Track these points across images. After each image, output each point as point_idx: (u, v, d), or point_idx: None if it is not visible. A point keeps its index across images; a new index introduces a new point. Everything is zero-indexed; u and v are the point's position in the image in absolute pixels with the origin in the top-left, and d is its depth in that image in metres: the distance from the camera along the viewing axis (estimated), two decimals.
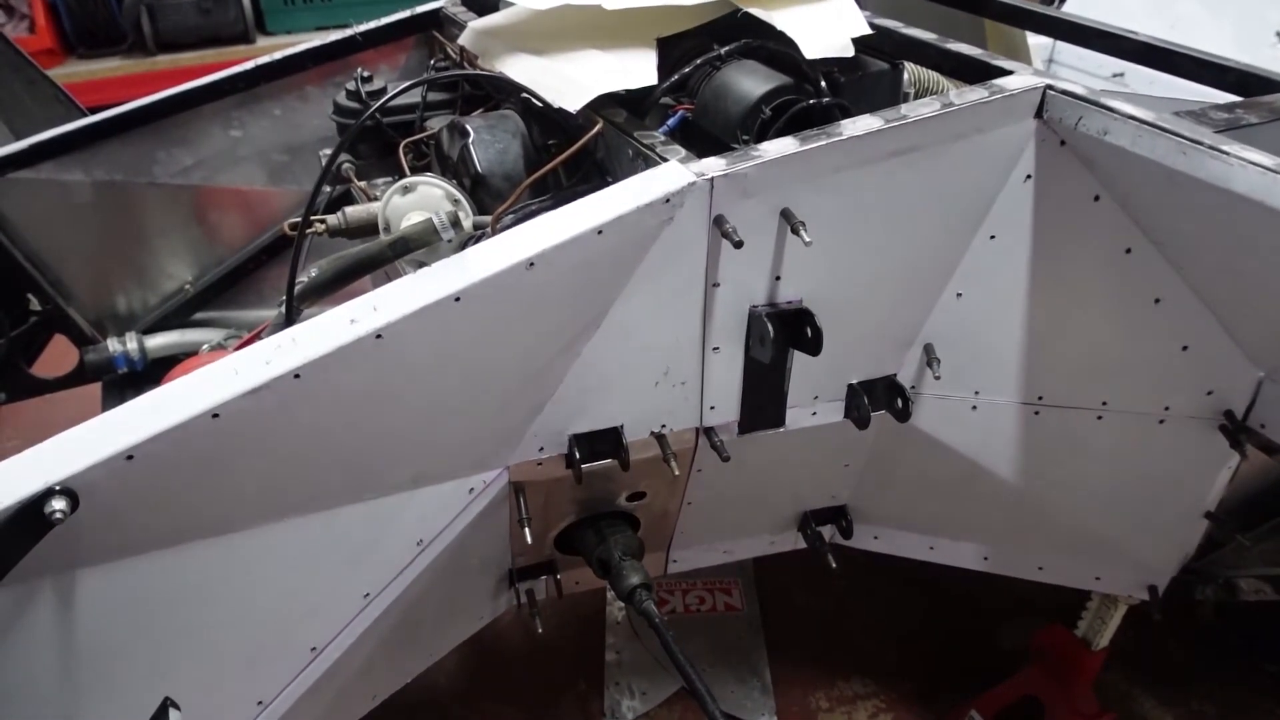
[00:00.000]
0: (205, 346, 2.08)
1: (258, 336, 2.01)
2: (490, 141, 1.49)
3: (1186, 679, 2.43)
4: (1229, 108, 1.29)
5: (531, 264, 1.15)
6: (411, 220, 1.42)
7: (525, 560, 1.63)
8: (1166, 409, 1.54)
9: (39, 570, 1.03)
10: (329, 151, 1.79)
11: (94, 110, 2.42)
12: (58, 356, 2.14)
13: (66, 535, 1.00)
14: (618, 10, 1.50)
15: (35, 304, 2.05)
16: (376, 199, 1.75)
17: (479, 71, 1.55)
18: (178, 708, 1.09)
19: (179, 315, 2.16)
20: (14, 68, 2.32)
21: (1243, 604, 1.99)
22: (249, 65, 1.96)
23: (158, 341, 2.09)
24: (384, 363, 1.11)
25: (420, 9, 2.05)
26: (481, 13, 1.93)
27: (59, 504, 0.97)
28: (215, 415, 1.03)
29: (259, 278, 2.18)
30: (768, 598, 2.64)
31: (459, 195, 1.44)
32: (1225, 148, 1.13)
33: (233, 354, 1.07)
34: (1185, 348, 1.46)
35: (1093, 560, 1.79)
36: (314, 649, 1.30)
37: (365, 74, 1.78)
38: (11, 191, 1.92)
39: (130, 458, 1.01)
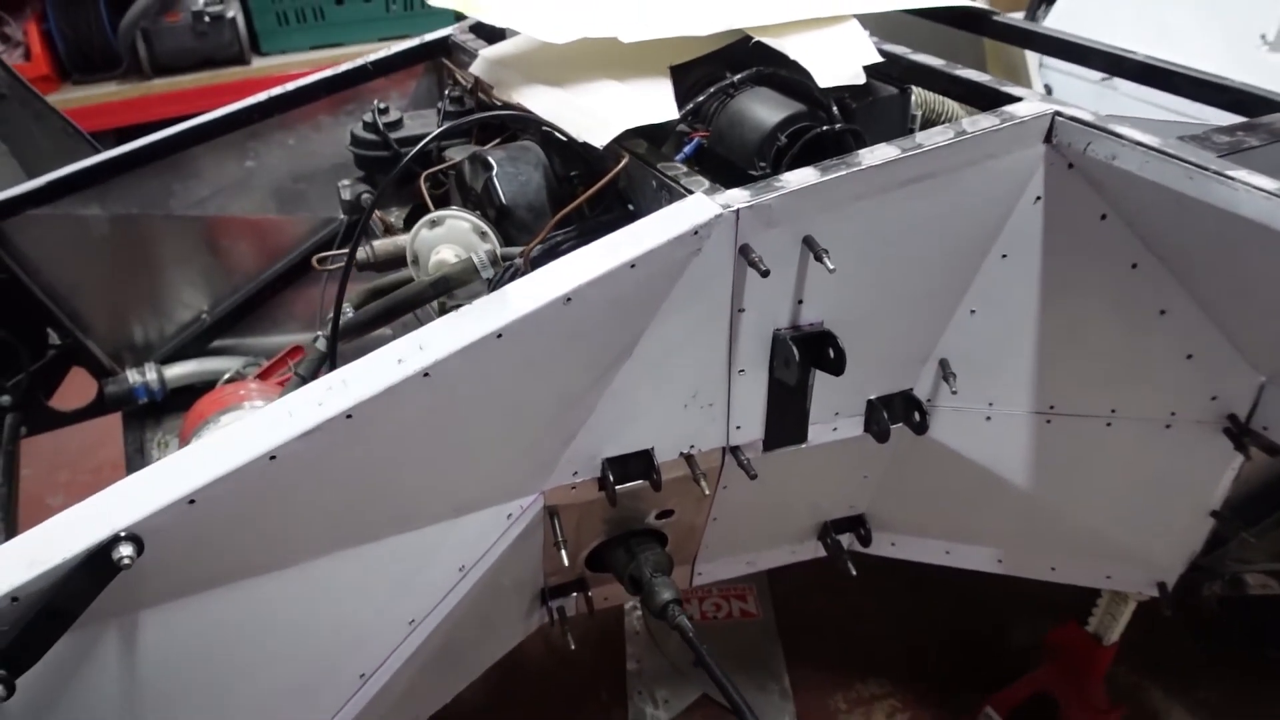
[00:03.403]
0: (225, 376, 2.11)
1: (283, 363, 2.05)
2: (513, 174, 1.52)
3: (1192, 670, 2.49)
4: (1230, 130, 1.34)
5: (569, 299, 1.19)
6: (440, 254, 1.46)
7: (557, 579, 1.67)
8: (1173, 414, 1.59)
9: (104, 614, 1.06)
10: (348, 183, 1.84)
11: (91, 135, 2.45)
12: (75, 388, 2.16)
13: (131, 579, 1.03)
14: (633, 41, 1.54)
15: (54, 338, 2.08)
16: (394, 226, 1.80)
17: (509, 112, 1.58)
18: None
19: (196, 344, 2.18)
20: (23, 102, 2.34)
21: (1248, 597, 2.06)
22: (262, 96, 1.99)
23: (176, 371, 2.12)
24: (431, 400, 1.15)
25: (429, 36, 2.09)
26: (491, 41, 1.97)
27: (126, 550, 1.00)
28: (272, 457, 1.07)
29: (275, 304, 2.21)
30: (782, 603, 2.69)
31: (485, 228, 1.48)
32: (1231, 173, 1.18)
33: (285, 397, 1.10)
34: (1190, 356, 1.51)
35: (1103, 560, 1.84)
36: (362, 676, 1.34)
37: (382, 106, 1.81)
38: (29, 228, 1.95)
39: (192, 502, 1.04)
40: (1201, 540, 1.77)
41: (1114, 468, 1.67)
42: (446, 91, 1.84)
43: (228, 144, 2.03)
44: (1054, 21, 3.19)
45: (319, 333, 1.44)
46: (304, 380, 1.46)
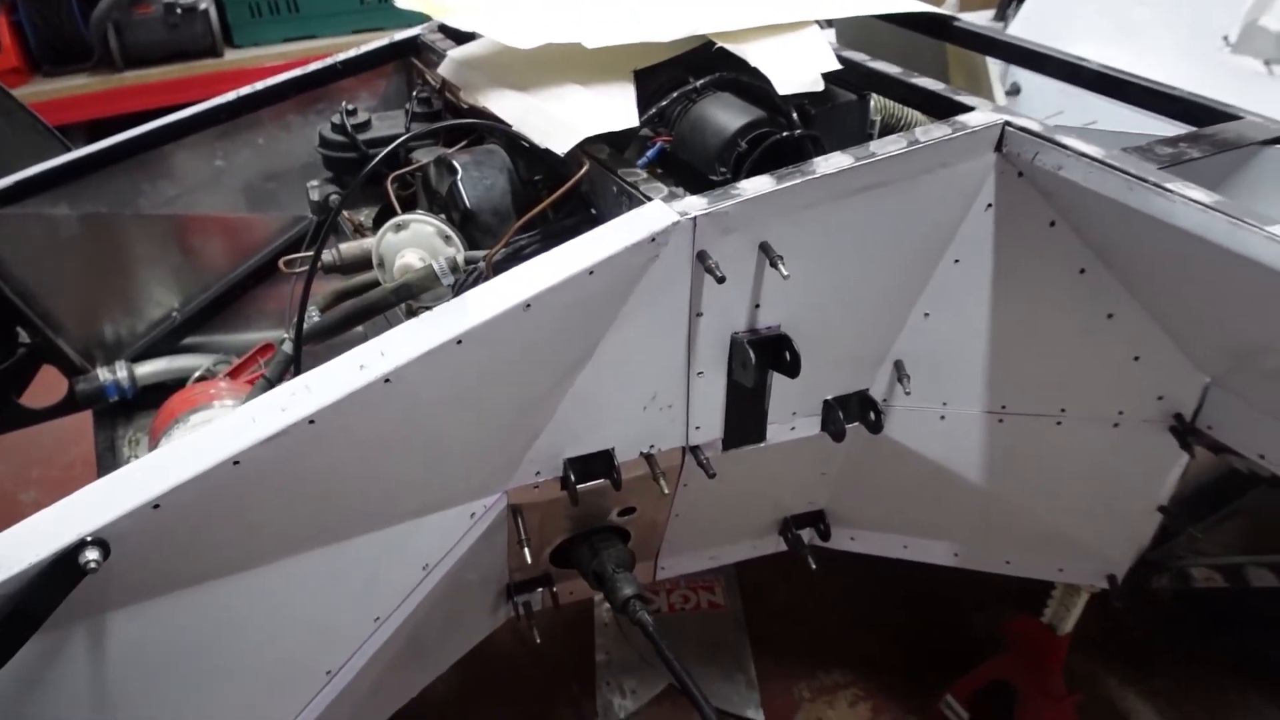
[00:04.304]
0: (196, 373, 2.13)
1: (253, 361, 2.07)
2: (478, 178, 1.55)
3: (1147, 659, 2.56)
4: (1174, 142, 1.38)
5: (528, 306, 1.22)
6: (405, 257, 1.48)
7: (522, 575, 1.70)
8: (1121, 414, 1.64)
9: (71, 617, 1.08)
10: (316, 183, 1.86)
11: (62, 128, 2.44)
12: (46, 386, 2.17)
13: (99, 582, 1.05)
14: (597, 47, 1.56)
15: (24, 336, 2.09)
16: (364, 226, 1.82)
17: (474, 120, 1.60)
18: None
19: (167, 342, 2.20)
20: None
21: (1199, 589, 2.12)
22: (231, 96, 2.00)
23: (147, 369, 2.14)
24: (392, 405, 1.18)
25: (399, 36, 2.10)
26: (459, 41, 1.99)
27: (92, 554, 1.03)
28: (236, 462, 1.09)
29: (245, 302, 2.22)
30: (751, 594, 2.73)
31: (450, 232, 1.51)
32: (1169, 185, 1.22)
33: (249, 403, 1.12)
34: (1137, 358, 1.56)
35: (1056, 553, 1.89)
36: (329, 672, 1.37)
37: (350, 108, 1.83)
38: None
39: (157, 506, 1.07)
40: (1150, 535, 1.82)
41: (1064, 465, 1.72)
42: (415, 93, 1.87)
43: (197, 143, 2.04)
44: (1023, 20, 3.22)
45: (285, 335, 1.46)
46: (270, 383, 1.48)
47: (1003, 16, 3.57)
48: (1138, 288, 1.46)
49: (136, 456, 1.95)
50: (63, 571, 1.02)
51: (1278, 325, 1.30)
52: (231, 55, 4.34)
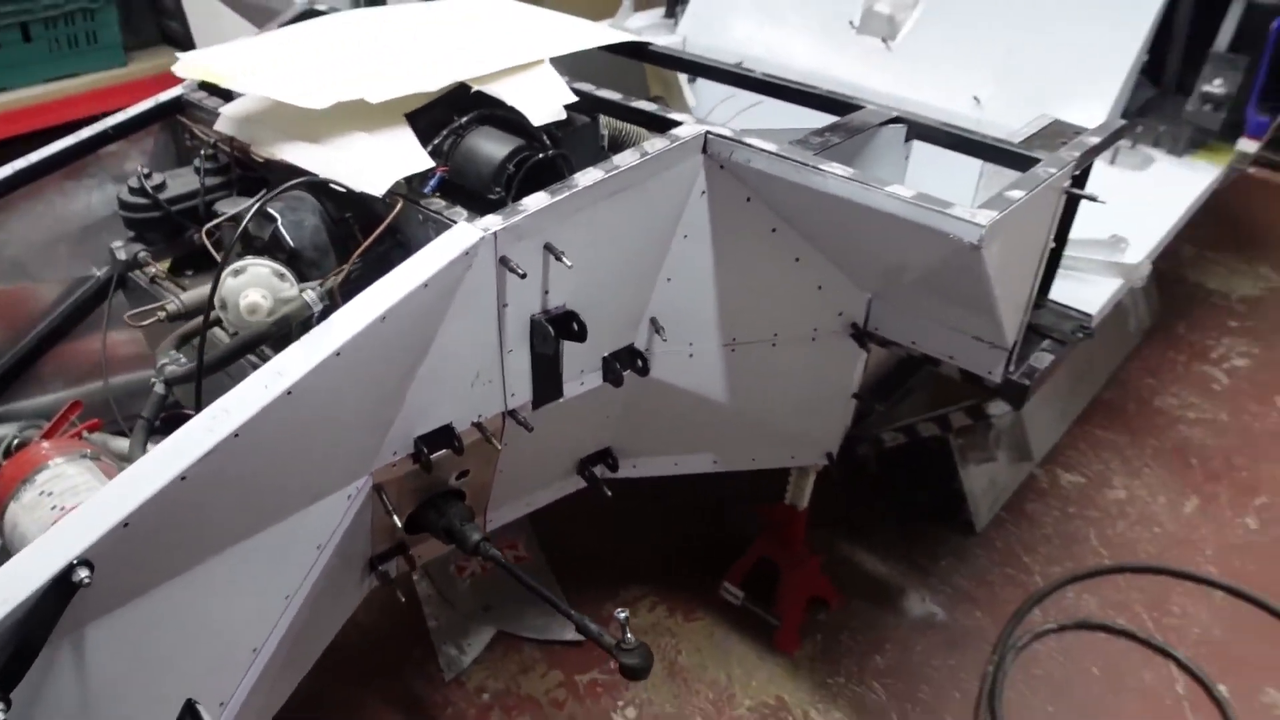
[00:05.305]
0: (3, 442, 2.20)
1: (64, 419, 2.19)
2: (296, 221, 1.83)
3: (866, 521, 3.26)
4: (822, 132, 1.94)
5: (384, 318, 1.55)
6: (250, 297, 1.74)
7: (382, 547, 2.01)
8: (815, 330, 2.21)
9: (60, 631, 1.31)
10: (120, 244, 2.04)
11: None
12: None
13: (83, 598, 1.29)
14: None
15: None
16: (160, 275, 2.03)
17: (313, 178, 1.82)
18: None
19: None
20: None
21: (889, 452, 2.80)
22: (9, 170, 2.10)
23: None
24: (294, 412, 1.48)
25: (163, 97, 2.28)
26: (226, 98, 2.21)
27: (83, 572, 1.26)
28: (183, 478, 1.36)
29: (43, 365, 2.31)
30: (547, 544, 3.14)
31: (283, 270, 1.78)
32: (823, 166, 1.77)
33: (182, 427, 1.38)
34: (820, 287, 2.13)
35: (787, 445, 2.47)
36: (254, 650, 1.64)
37: (145, 170, 2.02)
38: None
39: (126, 525, 1.31)
40: (850, 417, 2.44)
41: (783, 375, 2.27)
42: (203, 151, 2.08)
43: None
44: (691, 15, 3.79)
45: (153, 379, 1.68)
46: (149, 422, 1.70)
47: (672, 14, 4.15)
48: (813, 238, 2.02)
49: None
50: (61, 590, 1.26)
51: (905, 253, 1.89)
52: None
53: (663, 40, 3.21)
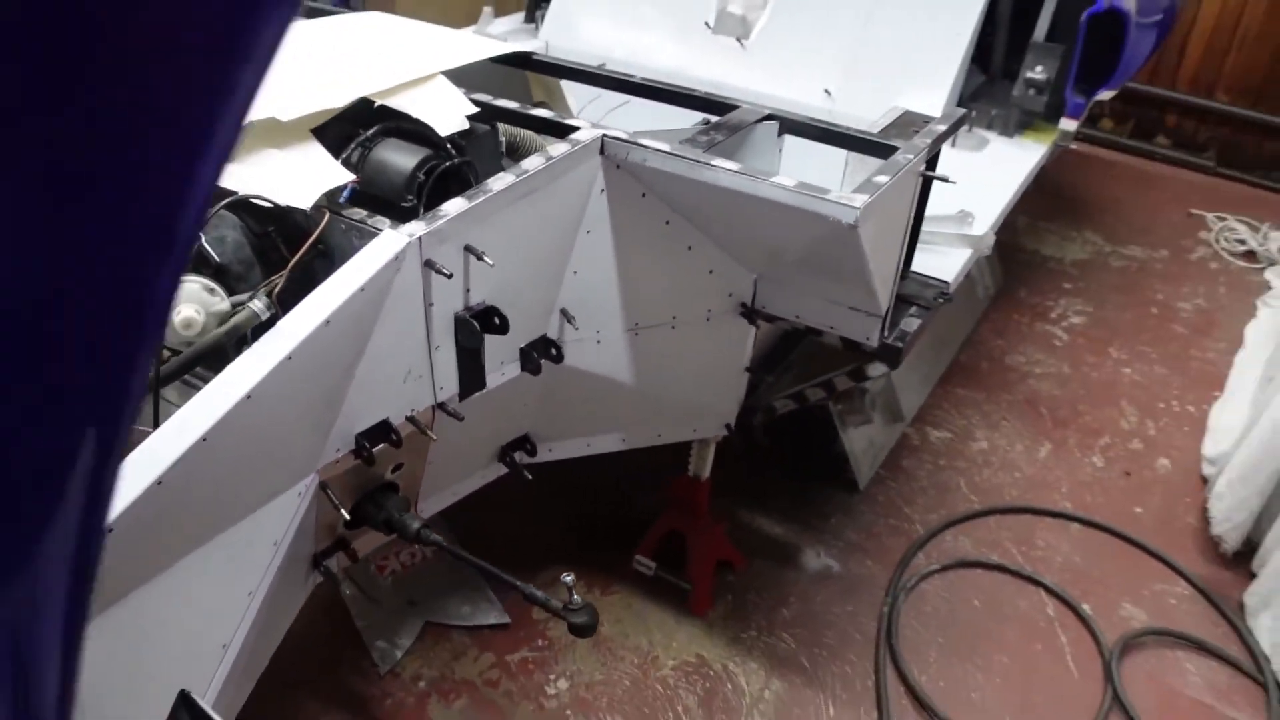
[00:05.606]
0: None
1: None
2: (219, 238, 1.92)
3: (765, 489, 3.51)
4: (707, 130, 2.15)
5: (328, 322, 1.67)
6: (184, 312, 1.83)
7: (325, 544, 2.11)
8: (709, 311, 2.43)
9: None
10: None
11: None
12: None
13: None
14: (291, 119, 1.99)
15: None
16: None
17: (234, 196, 1.91)
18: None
19: None
20: None
21: (779, 421, 3.04)
22: None
23: None
24: (254, 415, 1.58)
25: None
26: None
27: None
28: (159, 483, 1.45)
29: None
30: (466, 532, 3.27)
31: (213, 285, 1.88)
32: (712, 161, 1.97)
33: (150, 436, 1.47)
34: (711, 271, 2.34)
35: (689, 419, 2.68)
36: (224, 646, 1.73)
37: None
38: None
39: (110, 530, 1.40)
40: (744, 389, 2.66)
41: (683, 355, 2.48)
42: None
43: None
44: (552, 18, 3.91)
45: None
46: None
47: (532, 18, 4.28)
48: (704, 226, 2.23)
49: None
50: None
51: (785, 235, 2.12)
52: None
53: (525, 45, 3.36)
